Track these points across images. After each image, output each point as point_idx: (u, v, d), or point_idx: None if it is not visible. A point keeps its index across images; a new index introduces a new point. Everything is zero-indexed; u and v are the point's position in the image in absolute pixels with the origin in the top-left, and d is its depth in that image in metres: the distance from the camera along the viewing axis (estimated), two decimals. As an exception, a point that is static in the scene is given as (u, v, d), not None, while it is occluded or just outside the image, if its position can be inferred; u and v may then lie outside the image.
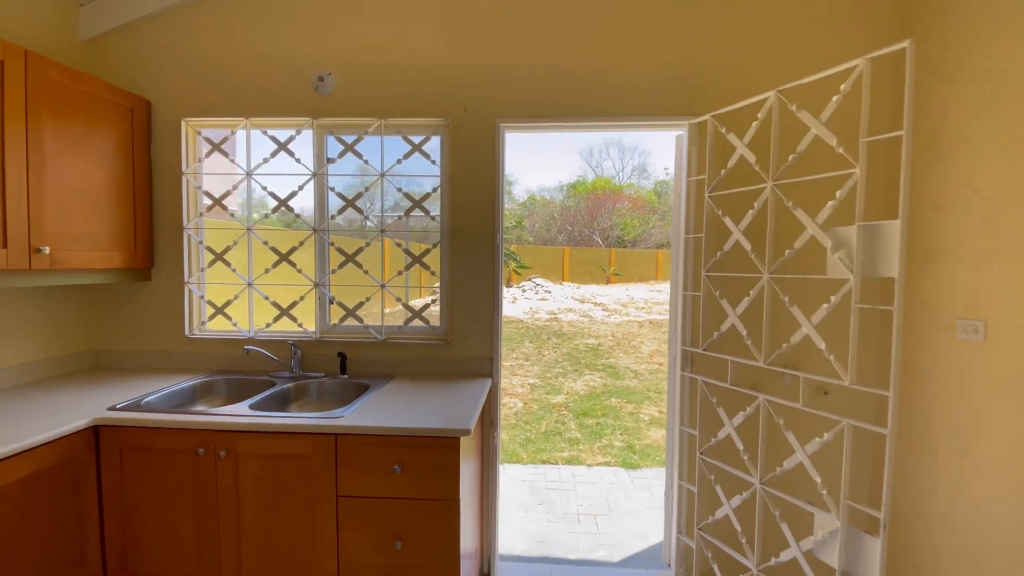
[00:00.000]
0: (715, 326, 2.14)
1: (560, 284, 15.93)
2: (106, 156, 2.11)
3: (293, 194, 2.36)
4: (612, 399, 5.70)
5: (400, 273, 2.42)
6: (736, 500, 2.00)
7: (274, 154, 2.36)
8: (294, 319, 2.40)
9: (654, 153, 30.88)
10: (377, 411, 1.79)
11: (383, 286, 2.39)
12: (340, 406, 1.94)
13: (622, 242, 23.81)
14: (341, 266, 2.40)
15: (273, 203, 2.41)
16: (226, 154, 2.39)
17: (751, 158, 1.91)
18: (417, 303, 2.39)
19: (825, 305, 1.65)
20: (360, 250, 2.40)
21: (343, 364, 2.26)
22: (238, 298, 2.43)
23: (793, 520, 1.90)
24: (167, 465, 1.74)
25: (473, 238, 2.32)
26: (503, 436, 4.51)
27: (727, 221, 2.01)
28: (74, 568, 1.67)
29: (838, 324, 1.73)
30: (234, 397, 2.19)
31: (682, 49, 2.21)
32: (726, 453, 2.14)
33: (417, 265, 2.38)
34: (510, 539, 2.68)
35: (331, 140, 2.38)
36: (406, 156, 2.32)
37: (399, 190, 2.37)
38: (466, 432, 1.64)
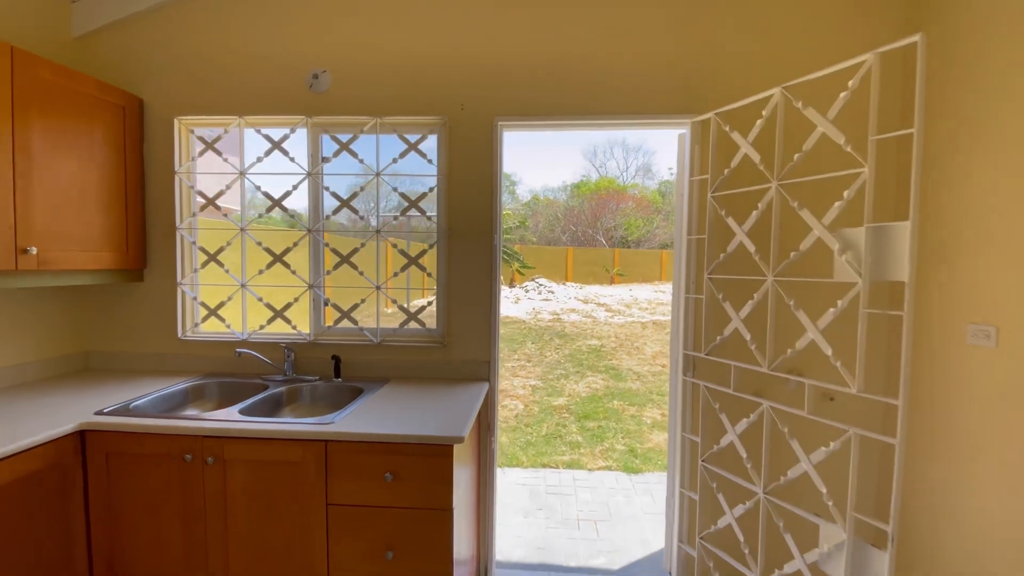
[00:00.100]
0: (718, 330, 2.08)
1: (563, 284, 15.90)
2: (97, 155, 2.08)
3: (287, 194, 2.32)
4: (614, 401, 5.64)
5: (395, 275, 2.38)
6: (739, 509, 1.95)
7: (268, 153, 2.32)
8: (288, 321, 2.36)
9: (658, 153, 30.79)
10: (370, 416, 1.75)
11: (378, 288, 2.35)
12: (333, 410, 1.90)
13: (626, 242, 23.74)
14: (336, 267, 2.36)
15: (268, 203, 2.37)
16: (219, 153, 2.35)
17: (755, 157, 1.85)
18: (416, 304, 2.34)
19: (832, 309, 1.59)
20: (355, 251, 2.36)
21: (337, 367, 2.22)
22: (231, 300, 2.39)
23: (797, 531, 1.84)
24: (154, 470, 1.70)
25: (470, 239, 2.27)
26: (503, 439, 4.46)
27: (730, 222, 1.96)
28: (61, 573, 1.64)
29: (845, 329, 1.67)
30: (226, 401, 2.15)
31: (684, 46, 2.16)
32: (729, 460, 2.08)
33: (417, 267, 2.34)
34: (508, 545, 2.63)
35: (326, 139, 2.34)
36: (402, 155, 2.27)
37: (395, 190, 2.33)
38: (459, 440, 1.60)
